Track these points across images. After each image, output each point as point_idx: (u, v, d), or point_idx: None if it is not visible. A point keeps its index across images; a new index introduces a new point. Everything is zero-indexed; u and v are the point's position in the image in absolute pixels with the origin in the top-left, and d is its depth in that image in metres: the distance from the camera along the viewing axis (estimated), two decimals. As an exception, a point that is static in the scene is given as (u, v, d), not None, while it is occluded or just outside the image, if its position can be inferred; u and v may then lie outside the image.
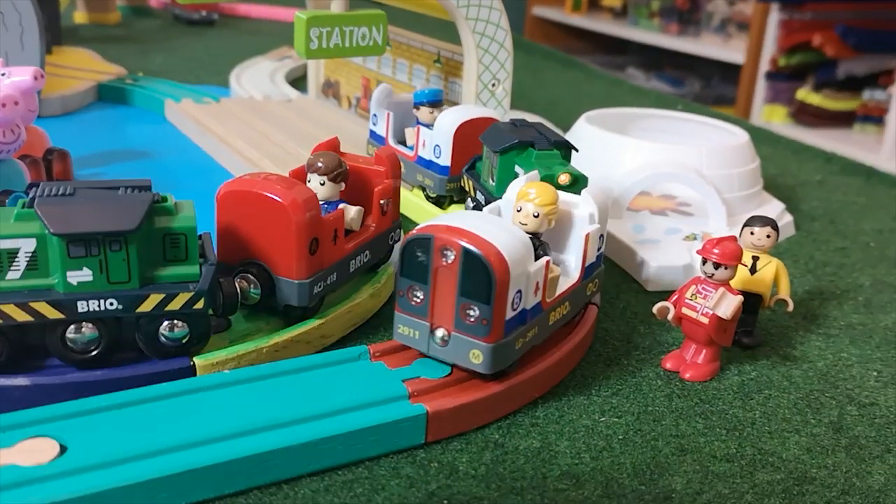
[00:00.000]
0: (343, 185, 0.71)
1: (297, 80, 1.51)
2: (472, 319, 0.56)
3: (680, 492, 0.55)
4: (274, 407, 0.55)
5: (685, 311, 0.67)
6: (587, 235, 0.65)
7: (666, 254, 0.84)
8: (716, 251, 0.66)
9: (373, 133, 0.98)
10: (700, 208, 0.94)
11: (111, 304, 0.56)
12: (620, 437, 0.60)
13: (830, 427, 0.63)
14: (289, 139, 1.10)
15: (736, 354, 0.72)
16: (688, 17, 3.03)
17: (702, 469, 0.57)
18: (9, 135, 0.84)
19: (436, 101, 0.91)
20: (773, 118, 2.63)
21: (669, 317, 0.68)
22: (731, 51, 2.81)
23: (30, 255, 0.55)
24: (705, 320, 0.66)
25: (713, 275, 0.66)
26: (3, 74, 0.94)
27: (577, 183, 0.71)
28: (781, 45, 2.55)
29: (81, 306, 0.56)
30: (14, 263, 0.55)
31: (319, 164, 0.70)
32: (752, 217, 0.73)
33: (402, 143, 0.96)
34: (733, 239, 0.67)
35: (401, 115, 0.95)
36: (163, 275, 0.58)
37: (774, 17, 2.57)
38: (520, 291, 0.57)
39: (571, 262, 0.67)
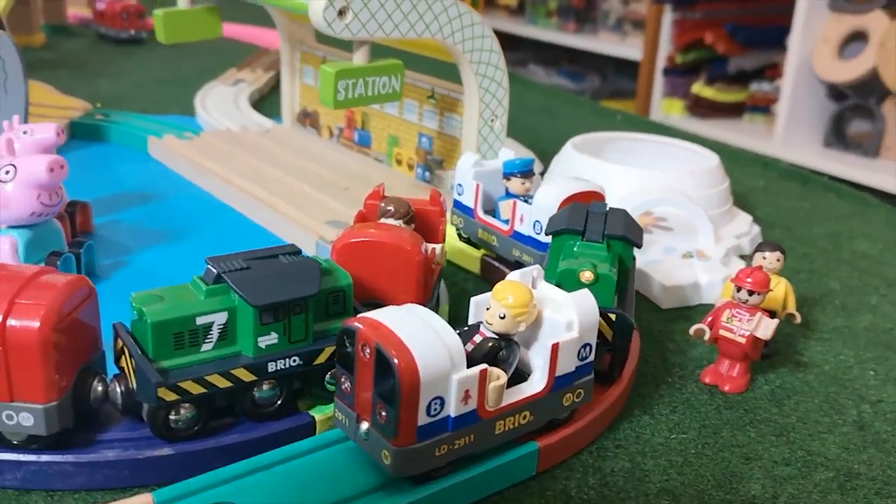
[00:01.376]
0: (413, 225, 0.78)
1: (257, 105, 1.54)
2: (383, 419, 0.55)
3: (760, 496, 0.64)
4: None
5: (722, 332, 0.77)
6: (555, 346, 0.61)
7: (673, 273, 0.94)
8: (749, 280, 0.76)
9: (458, 203, 0.96)
10: (678, 223, 1.04)
11: (294, 361, 0.64)
12: (693, 451, 0.69)
13: (855, 426, 0.74)
14: (286, 174, 1.14)
15: (757, 365, 0.82)
16: (584, 15, 3.18)
17: (769, 474, 0.67)
18: (54, 197, 0.86)
19: (528, 172, 0.90)
20: (672, 111, 2.81)
21: (705, 338, 0.78)
22: (628, 48, 2.97)
23: (222, 326, 0.61)
24: (742, 340, 0.76)
25: (747, 300, 0.76)
26: (25, 133, 0.95)
27: (600, 283, 0.69)
28: (676, 43, 2.72)
29: (271, 367, 0.63)
30: (208, 336, 0.61)
31: (390, 209, 0.77)
32: (762, 243, 0.84)
33: (490, 212, 0.94)
34: (761, 269, 0.77)
35: (487, 184, 0.94)
36: (329, 328, 0.66)
37: (668, 16, 2.74)
38: (439, 398, 0.55)
39: (540, 370, 0.62)
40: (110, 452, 0.60)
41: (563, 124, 1.64)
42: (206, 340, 0.60)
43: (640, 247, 0.75)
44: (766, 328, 0.75)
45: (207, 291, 0.61)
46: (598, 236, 0.73)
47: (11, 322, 0.55)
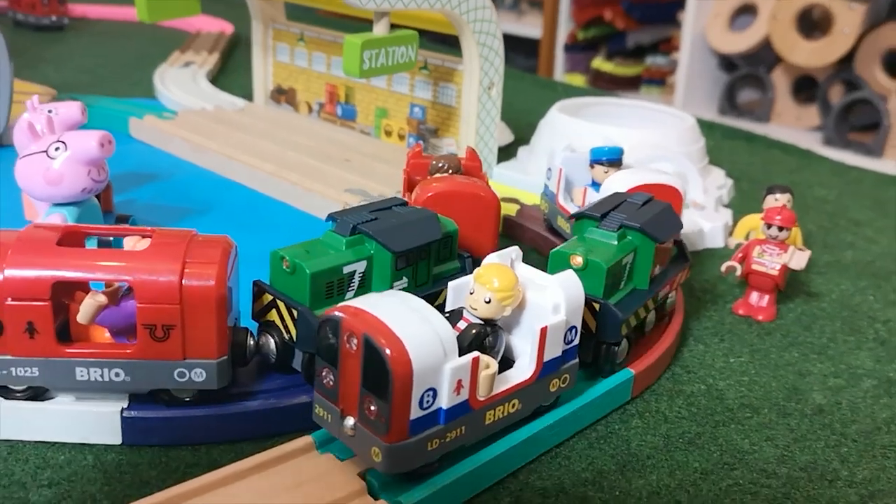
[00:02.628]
0: None
1: (214, 85, 1.53)
2: (373, 414, 0.52)
3: (825, 405, 0.72)
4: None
5: (755, 266, 0.85)
6: (543, 330, 0.59)
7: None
8: (778, 217, 0.84)
9: (546, 189, 0.97)
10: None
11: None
12: (753, 371, 0.77)
13: (876, 342, 0.84)
14: (283, 148, 1.15)
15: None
16: (482, -5, 3.24)
17: (824, 386, 0.75)
18: (102, 173, 0.85)
19: (615, 160, 0.88)
20: (574, 85, 2.92)
21: (737, 273, 0.86)
22: (527, 26, 3.06)
23: (362, 275, 0.64)
24: (775, 272, 0.84)
25: (776, 236, 0.84)
26: (50, 112, 0.93)
27: (589, 269, 0.67)
28: (577, 20, 2.83)
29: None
30: (351, 285, 0.64)
31: (442, 165, 0.81)
32: (772, 186, 0.93)
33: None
34: (787, 208, 0.85)
35: (576, 171, 0.94)
36: (440, 271, 0.70)
37: (568, -5, 2.84)
38: (432, 389, 0.52)
39: (528, 355, 0.60)
40: (253, 403, 0.62)
41: (512, 97, 1.70)
42: (350, 289, 0.63)
43: (659, 241, 0.71)
44: (799, 259, 0.83)
45: (347, 242, 0.63)
46: (615, 225, 0.70)
47: (188, 281, 0.57)
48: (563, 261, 0.67)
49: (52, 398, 0.61)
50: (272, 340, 0.63)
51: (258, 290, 0.64)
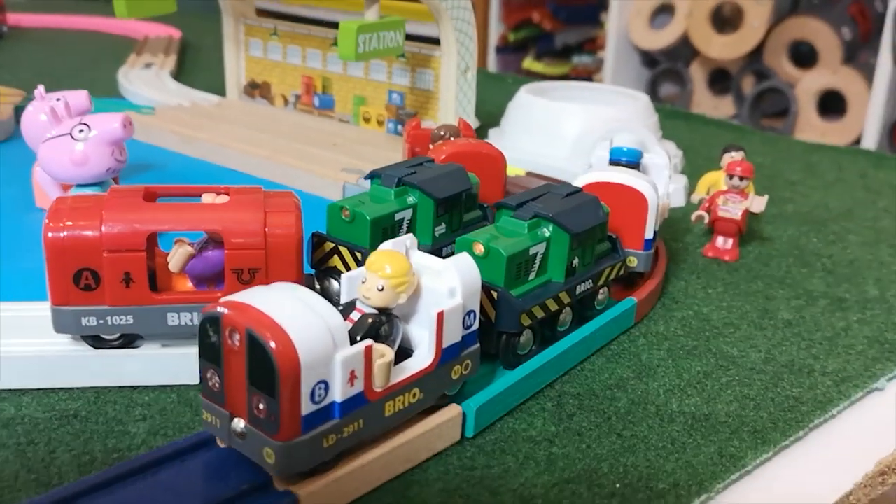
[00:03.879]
0: None
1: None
2: (262, 413, 0.50)
3: (792, 319, 0.84)
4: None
5: (721, 213, 0.97)
6: (440, 315, 0.57)
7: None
8: (739, 168, 0.96)
9: None
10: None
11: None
12: (729, 299, 0.88)
13: (825, 271, 0.97)
14: (272, 136, 1.23)
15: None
16: None
17: (788, 306, 0.87)
18: (124, 153, 0.91)
19: (633, 162, 0.88)
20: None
21: (705, 221, 0.98)
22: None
23: (409, 221, 0.72)
24: (738, 217, 0.96)
25: (738, 185, 0.96)
26: (58, 100, 0.98)
27: (490, 256, 0.66)
28: (507, 22, 2.96)
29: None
30: (400, 231, 0.73)
31: (443, 133, 0.90)
32: (727, 146, 1.05)
33: None
34: (745, 160, 0.98)
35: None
36: (467, 219, 0.77)
37: (496, -1, 2.98)
38: (323, 382, 0.50)
39: (426, 343, 0.59)
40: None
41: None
42: (400, 234, 0.72)
43: (570, 233, 0.69)
44: (759, 203, 0.96)
45: (395, 193, 0.72)
46: (528, 214, 0.69)
47: (270, 228, 0.65)
48: (468, 248, 0.67)
49: (139, 346, 0.68)
50: (335, 283, 0.71)
51: (318, 240, 0.73)
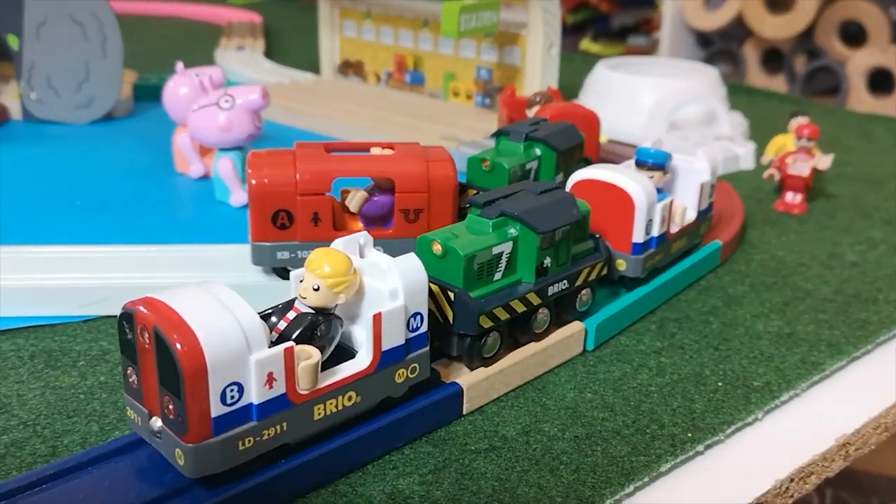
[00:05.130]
0: (553, 101, 1.03)
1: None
2: (171, 413, 0.49)
3: (857, 260, 0.95)
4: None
5: (790, 171, 1.08)
6: (377, 317, 0.56)
7: (717, 152, 1.24)
8: (806, 131, 1.07)
9: None
10: (700, 118, 1.35)
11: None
12: (801, 245, 0.99)
13: (883, 222, 1.07)
14: (371, 110, 1.35)
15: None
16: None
17: (853, 250, 0.98)
18: (260, 121, 1.04)
19: (656, 165, 0.82)
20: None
21: (776, 178, 1.09)
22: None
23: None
24: (806, 174, 1.07)
25: (806, 146, 1.07)
26: (197, 75, 1.11)
27: (448, 257, 0.64)
28: (565, 5, 3.06)
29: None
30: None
31: (537, 98, 1.02)
32: (794, 111, 1.16)
33: None
34: (811, 123, 1.08)
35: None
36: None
37: (550, -18, 3.08)
38: (236, 384, 0.49)
39: (365, 345, 0.58)
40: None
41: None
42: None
43: (538, 232, 0.67)
44: (825, 161, 1.06)
45: (524, 146, 0.84)
46: (495, 213, 0.68)
47: (432, 176, 0.78)
48: (427, 247, 0.66)
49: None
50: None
51: (460, 186, 0.79)
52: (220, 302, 0.50)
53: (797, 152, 1.08)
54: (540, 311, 0.70)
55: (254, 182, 0.75)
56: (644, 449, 0.62)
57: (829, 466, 0.65)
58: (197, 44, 1.88)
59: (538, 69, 1.30)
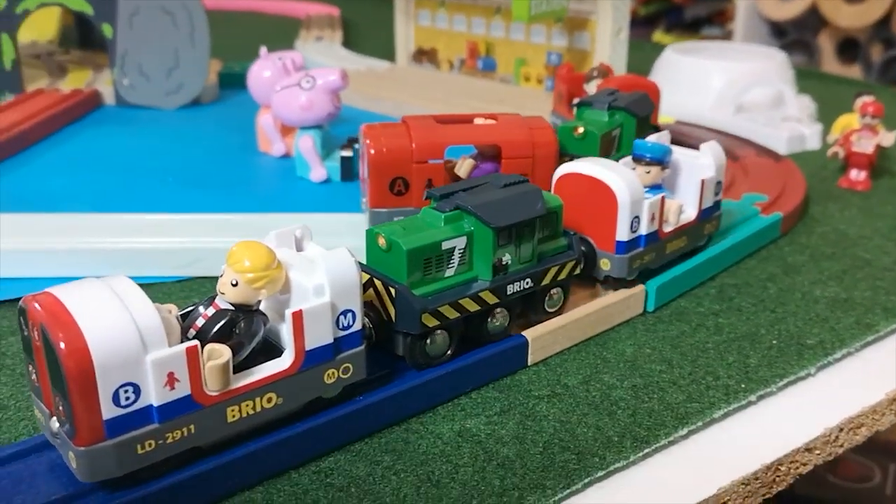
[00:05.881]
0: (608, 75, 1.07)
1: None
2: (62, 415, 0.47)
3: (922, 235, 0.97)
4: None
5: (855, 149, 1.09)
6: (296, 314, 0.53)
7: (785, 132, 1.26)
8: (871, 108, 1.08)
9: None
10: (767, 101, 1.36)
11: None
12: (864, 218, 1.01)
13: (954, 198, 1.08)
14: (446, 95, 1.40)
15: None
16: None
17: (919, 225, 0.99)
18: (339, 102, 1.10)
19: (656, 160, 0.77)
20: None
21: (841, 156, 1.10)
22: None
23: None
24: (870, 151, 1.08)
25: (871, 123, 1.08)
26: (279, 59, 1.18)
27: (392, 251, 0.62)
28: (637, -3, 3.08)
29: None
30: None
31: (594, 73, 1.07)
32: (860, 90, 1.17)
33: None
34: (876, 101, 1.10)
35: None
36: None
37: (622, -26, 3.09)
38: (131, 385, 0.47)
39: (289, 344, 0.54)
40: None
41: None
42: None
43: (492, 227, 0.63)
44: (889, 138, 1.08)
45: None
46: (450, 206, 0.65)
47: (536, 143, 0.84)
48: (374, 240, 0.63)
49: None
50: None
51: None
52: (117, 298, 0.48)
53: (861, 130, 1.09)
54: (498, 310, 0.66)
55: (373, 151, 0.81)
56: (699, 397, 0.66)
57: (879, 420, 0.67)
58: (277, 36, 1.95)
59: (607, 53, 1.34)
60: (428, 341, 0.63)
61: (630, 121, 0.92)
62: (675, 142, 0.85)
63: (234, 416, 0.52)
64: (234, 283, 0.52)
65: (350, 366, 0.58)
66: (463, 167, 0.85)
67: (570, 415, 0.64)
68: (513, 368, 0.69)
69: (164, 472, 0.52)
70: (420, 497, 0.55)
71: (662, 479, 0.59)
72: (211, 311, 0.53)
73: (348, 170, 1.09)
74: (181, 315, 0.54)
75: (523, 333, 0.69)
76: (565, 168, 0.76)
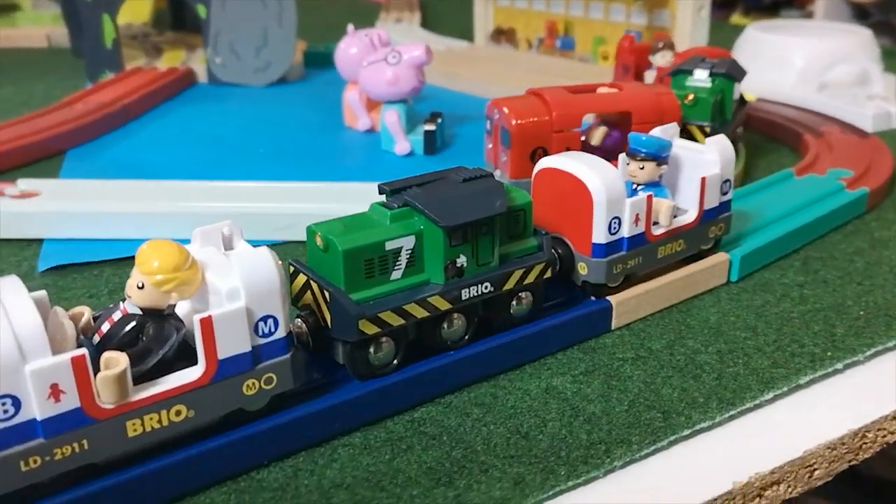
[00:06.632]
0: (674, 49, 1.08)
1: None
2: None
3: None
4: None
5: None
6: (204, 321, 0.49)
7: (870, 110, 1.24)
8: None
9: None
10: (852, 79, 1.34)
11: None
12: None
13: None
14: (524, 73, 1.42)
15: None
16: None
17: None
18: (424, 76, 1.13)
19: (651, 155, 0.70)
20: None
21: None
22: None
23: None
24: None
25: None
26: (366, 35, 1.20)
27: (330, 251, 0.56)
28: (716, -21, 3.03)
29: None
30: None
31: (661, 45, 1.08)
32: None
33: None
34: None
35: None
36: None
37: (701, -44, 3.05)
38: (9, 397, 0.44)
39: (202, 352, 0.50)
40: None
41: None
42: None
43: (442, 227, 0.58)
44: None
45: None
46: (398, 202, 0.60)
47: (664, 109, 0.88)
48: (311, 238, 0.58)
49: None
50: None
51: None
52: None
53: (955, 106, 1.08)
54: (455, 316, 0.61)
55: (514, 122, 0.83)
56: (784, 363, 0.66)
57: (970, 391, 0.67)
58: (358, 18, 1.96)
59: (688, 31, 1.33)
60: (371, 350, 0.58)
61: (729, 86, 0.95)
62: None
63: (135, 431, 0.48)
64: (140, 285, 0.48)
65: (273, 376, 0.53)
66: (595, 134, 0.88)
67: (654, 377, 0.65)
68: (597, 332, 0.71)
69: (57, 490, 0.48)
70: (510, 447, 0.57)
71: (748, 440, 0.60)
72: (118, 315, 0.49)
73: (431, 143, 1.11)
74: (94, 318, 0.51)
75: (608, 298, 0.71)
76: (543, 163, 0.70)
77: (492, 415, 0.60)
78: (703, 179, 0.73)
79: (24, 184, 0.92)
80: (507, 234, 0.63)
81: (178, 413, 0.50)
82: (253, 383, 0.52)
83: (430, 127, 1.11)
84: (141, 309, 0.49)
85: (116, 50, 1.41)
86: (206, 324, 0.49)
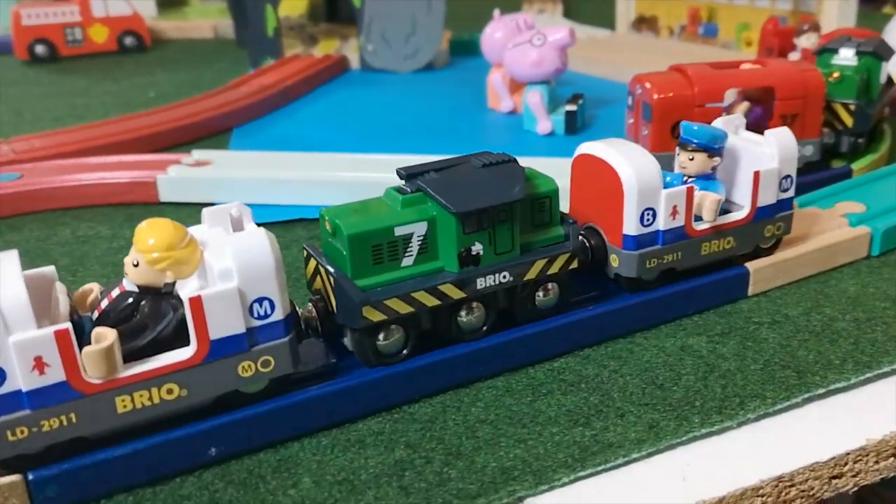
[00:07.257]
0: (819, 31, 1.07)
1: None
2: None
3: None
4: None
5: None
6: (194, 300, 0.49)
7: None
8: None
9: None
10: None
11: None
12: None
13: None
14: (661, 58, 1.43)
15: None
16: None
17: None
18: (567, 58, 1.16)
19: (703, 146, 0.67)
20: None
21: None
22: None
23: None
24: None
25: None
26: (512, 20, 1.25)
27: (337, 236, 0.56)
28: (868, -32, 2.92)
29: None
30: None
31: (805, 27, 1.07)
32: None
33: None
34: None
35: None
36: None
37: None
38: None
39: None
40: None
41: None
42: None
43: (454, 213, 0.56)
44: None
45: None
46: (412, 187, 0.59)
47: (806, 84, 0.88)
48: (322, 221, 0.58)
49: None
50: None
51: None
52: None
53: None
54: (473, 305, 0.60)
55: (656, 96, 0.86)
56: (926, 333, 0.67)
57: None
58: (503, 7, 2.01)
59: (834, 15, 1.31)
60: (381, 337, 0.57)
61: (876, 65, 0.95)
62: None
63: (125, 407, 0.48)
64: (135, 263, 0.49)
65: (271, 358, 0.52)
66: (739, 109, 0.89)
67: (790, 340, 0.66)
68: (733, 297, 0.72)
69: (50, 460, 0.49)
70: (645, 396, 0.60)
71: (884, 402, 0.61)
72: (116, 292, 0.50)
73: (572, 123, 1.15)
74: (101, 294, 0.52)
75: (745, 265, 0.73)
76: (582, 148, 0.68)
77: (628, 367, 0.63)
78: (757, 174, 0.69)
79: (198, 154, 1.02)
80: (529, 222, 0.61)
81: (169, 391, 0.50)
82: (249, 365, 0.52)
83: (572, 107, 1.15)
84: (138, 287, 0.50)
85: (277, 38, 1.51)
86: (196, 303, 0.49)
